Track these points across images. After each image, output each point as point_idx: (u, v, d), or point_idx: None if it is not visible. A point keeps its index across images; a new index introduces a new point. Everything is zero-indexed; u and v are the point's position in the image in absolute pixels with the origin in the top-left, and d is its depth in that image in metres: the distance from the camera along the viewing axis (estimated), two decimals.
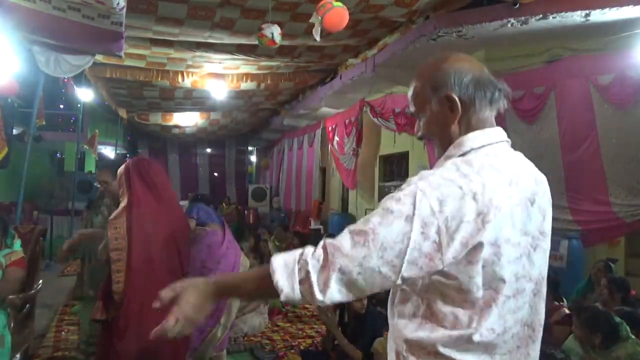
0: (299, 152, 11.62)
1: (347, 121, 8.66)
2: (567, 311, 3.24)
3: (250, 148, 16.94)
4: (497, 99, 1.19)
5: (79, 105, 8.92)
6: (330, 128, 9.59)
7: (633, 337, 2.61)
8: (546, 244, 1.15)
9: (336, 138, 9.24)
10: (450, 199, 1.01)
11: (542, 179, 1.19)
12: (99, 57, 5.59)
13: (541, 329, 1.15)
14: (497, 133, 1.17)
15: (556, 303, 3.37)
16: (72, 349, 4.13)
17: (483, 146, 1.13)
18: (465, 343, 1.07)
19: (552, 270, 3.78)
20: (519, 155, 1.19)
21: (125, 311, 2.46)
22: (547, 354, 2.25)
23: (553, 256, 4.83)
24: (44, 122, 7.21)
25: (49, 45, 4.47)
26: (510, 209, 1.06)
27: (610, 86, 4.90)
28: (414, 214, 1.00)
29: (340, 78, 7.23)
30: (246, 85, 8.04)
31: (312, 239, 8.82)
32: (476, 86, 1.16)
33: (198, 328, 3.52)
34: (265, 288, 1.09)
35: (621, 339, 2.56)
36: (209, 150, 16.01)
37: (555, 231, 4.12)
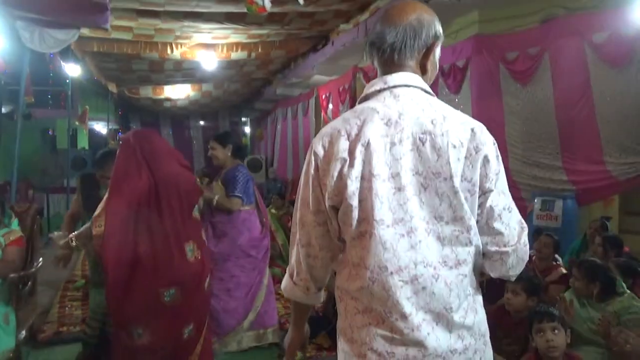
0: (294, 121, 11.54)
1: (340, 88, 8.58)
2: (563, 271, 3.30)
3: (243, 119, 16.80)
4: (377, 44, 1.25)
5: (67, 81, 8.77)
6: (323, 96, 9.50)
7: (628, 291, 2.68)
8: (443, 185, 1.12)
9: (330, 106, 9.17)
10: (330, 143, 1.18)
11: (450, 122, 1.16)
12: (85, 31, 5.46)
13: (449, 271, 1.13)
14: (396, 78, 1.22)
15: (553, 263, 3.43)
16: (77, 324, 4.20)
17: (378, 91, 1.22)
18: (358, 280, 1.15)
19: (548, 231, 3.84)
20: (420, 98, 1.21)
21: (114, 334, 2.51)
22: (543, 311, 2.30)
23: (548, 216, 4.89)
24: (33, 100, 7.09)
25: (33, 19, 4.35)
26: (383, 146, 1.13)
27: (605, 44, 4.84)
28: (307, 168, 1.22)
29: (332, 44, 7.12)
30: (237, 55, 7.89)
31: None
32: (371, 37, 1.27)
33: (235, 317, 3.63)
34: (300, 310, 1.42)
35: (617, 294, 2.62)
36: (202, 122, 15.87)
37: (550, 191, 4.19)
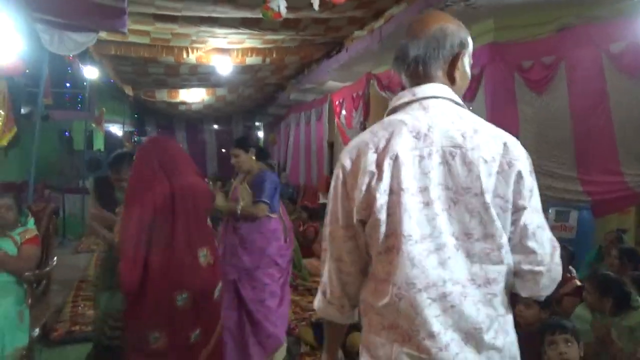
0: (307, 126, 11.57)
1: (354, 95, 8.58)
2: (578, 283, 3.24)
3: (257, 124, 16.90)
4: (400, 58, 1.24)
5: (85, 84, 8.90)
6: (337, 102, 9.51)
7: None
8: (473, 200, 1.08)
9: (343, 112, 9.17)
10: (358, 156, 1.16)
11: (481, 136, 1.13)
12: (103, 34, 5.55)
13: (477, 290, 1.09)
14: (425, 89, 1.20)
15: (567, 275, 3.38)
16: (89, 323, 4.24)
17: (407, 103, 1.20)
18: (384, 295, 1.12)
19: (562, 242, 3.79)
20: (450, 110, 1.18)
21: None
22: (556, 322, 2.27)
23: (563, 227, 4.82)
24: (51, 102, 7.21)
25: (53, 22, 4.43)
26: (411, 159, 1.11)
27: (622, 54, 4.78)
28: (336, 182, 1.21)
29: (347, 51, 7.13)
30: (251, 60, 7.96)
31: (321, 212, 8.86)
32: (395, 52, 1.25)
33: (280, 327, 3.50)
34: (334, 331, 1.37)
35: (632, 308, 2.58)
36: (216, 126, 15.99)
37: (565, 202, 4.12)
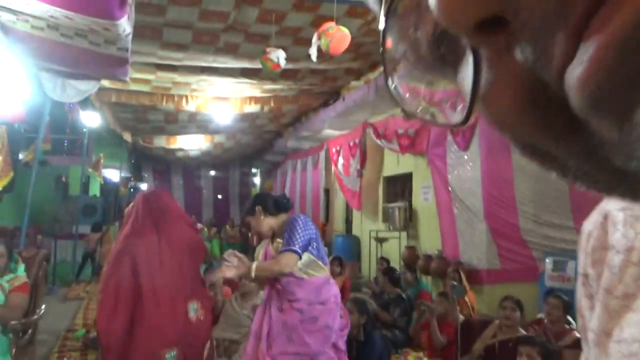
0: (303, 173, 11.65)
1: (350, 143, 8.69)
2: (577, 335, 3.17)
3: (254, 170, 16.99)
4: None
5: (84, 130, 9.00)
6: (334, 150, 9.62)
7: None
8: None
9: (340, 160, 9.26)
10: None
11: None
12: (105, 82, 5.66)
13: None
14: None
15: (567, 327, 3.31)
16: None
17: None
18: None
19: (560, 293, 3.74)
20: None
21: None
22: None
23: (560, 277, 4.77)
24: (50, 147, 7.26)
25: (56, 71, 4.53)
26: None
27: None
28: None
29: (343, 100, 7.29)
30: (250, 108, 8.10)
31: None
32: None
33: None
34: None
35: None
36: (212, 172, 16.07)
37: (562, 252, 4.07)
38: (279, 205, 2.70)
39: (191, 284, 2.60)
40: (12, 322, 2.98)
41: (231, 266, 2.63)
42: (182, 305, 2.49)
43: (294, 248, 2.42)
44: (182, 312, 2.47)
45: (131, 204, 2.80)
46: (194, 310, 2.54)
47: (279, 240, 2.61)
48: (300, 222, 2.54)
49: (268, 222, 2.69)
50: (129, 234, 2.58)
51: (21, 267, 3.24)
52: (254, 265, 2.47)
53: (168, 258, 2.52)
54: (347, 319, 2.64)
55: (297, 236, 2.46)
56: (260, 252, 2.77)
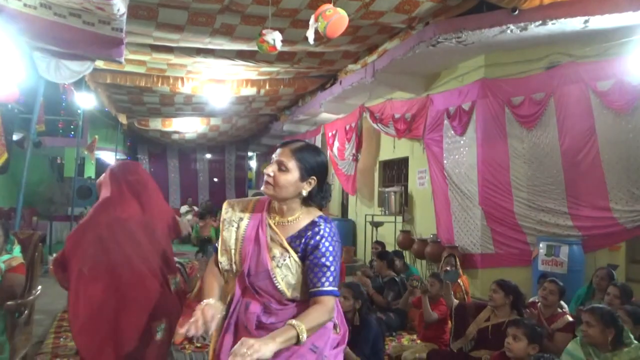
0: None
1: (347, 127, 8.67)
2: (569, 319, 3.22)
3: (250, 153, 16.95)
4: None
5: (79, 111, 8.93)
6: (330, 134, 9.60)
7: (636, 342, 2.60)
8: None
9: (336, 144, 9.24)
10: None
11: None
12: (99, 63, 5.60)
13: None
14: None
15: (559, 310, 3.35)
16: (71, 356, 4.11)
17: None
18: None
19: (553, 277, 3.78)
20: None
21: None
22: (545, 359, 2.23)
23: (553, 262, 4.82)
24: (44, 128, 7.21)
25: (50, 51, 4.47)
26: None
27: (609, 92, 4.91)
28: None
29: (340, 84, 7.25)
30: (246, 90, 8.05)
31: None
32: None
33: None
34: None
35: (625, 344, 2.55)
36: (208, 155, 16.03)
37: (555, 237, 4.11)
38: (318, 195, 1.80)
39: (171, 259, 2.63)
40: (9, 302, 2.99)
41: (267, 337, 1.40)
42: (165, 279, 2.51)
43: (337, 291, 1.65)
44: (166, 285, 2.49)
45: (104, 175, 2.71)
46: (175, 283, 2.57)
47: (283, 220, 1.77)
48: (331, 237, 1.69)
49: (295, 188, 1.75)
50: (106, 206, 2.52)
51: (17, 248, 3.24)
52: (302, 327, 1.45)
53: (151, 231, 2.52)
54: (344, 326, 1.82)
55: (334, 269, 1.65)
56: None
